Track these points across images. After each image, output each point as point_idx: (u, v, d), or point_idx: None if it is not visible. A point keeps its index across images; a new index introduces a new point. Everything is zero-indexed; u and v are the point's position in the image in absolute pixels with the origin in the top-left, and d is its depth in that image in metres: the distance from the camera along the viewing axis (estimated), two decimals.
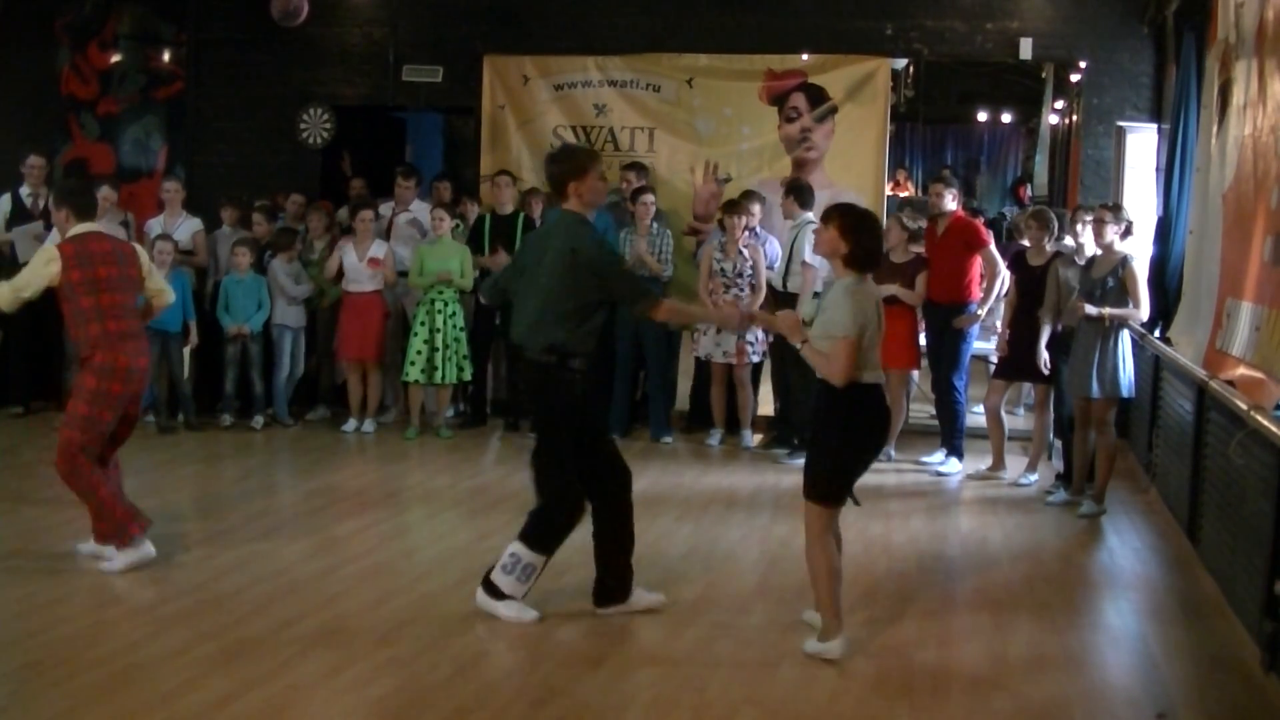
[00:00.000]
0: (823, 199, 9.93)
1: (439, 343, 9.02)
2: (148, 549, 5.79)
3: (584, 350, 5.16)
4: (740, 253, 8.83)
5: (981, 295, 8.42)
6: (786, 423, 8.88)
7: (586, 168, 5.17)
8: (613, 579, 5.31)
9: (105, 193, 9.43)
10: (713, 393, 9.16)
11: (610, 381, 9.04)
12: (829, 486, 4.91)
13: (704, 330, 8.98)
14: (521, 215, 9.45)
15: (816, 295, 8.39)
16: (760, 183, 9.77)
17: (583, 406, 5.22)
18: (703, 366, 9.31)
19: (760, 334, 8.86)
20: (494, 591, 5.21)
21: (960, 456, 8.44)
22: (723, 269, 8.87)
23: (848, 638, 4.91)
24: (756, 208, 9.11)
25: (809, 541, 4.96)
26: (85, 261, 5.76)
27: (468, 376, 9.29)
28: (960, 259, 8.40)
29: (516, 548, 5.19)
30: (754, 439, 9.15)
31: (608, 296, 5.19)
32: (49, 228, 9.43)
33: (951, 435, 8.50)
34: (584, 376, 5.19)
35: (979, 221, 9.22)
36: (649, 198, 9.18)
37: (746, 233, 8.90)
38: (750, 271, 8.82)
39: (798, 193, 8.73)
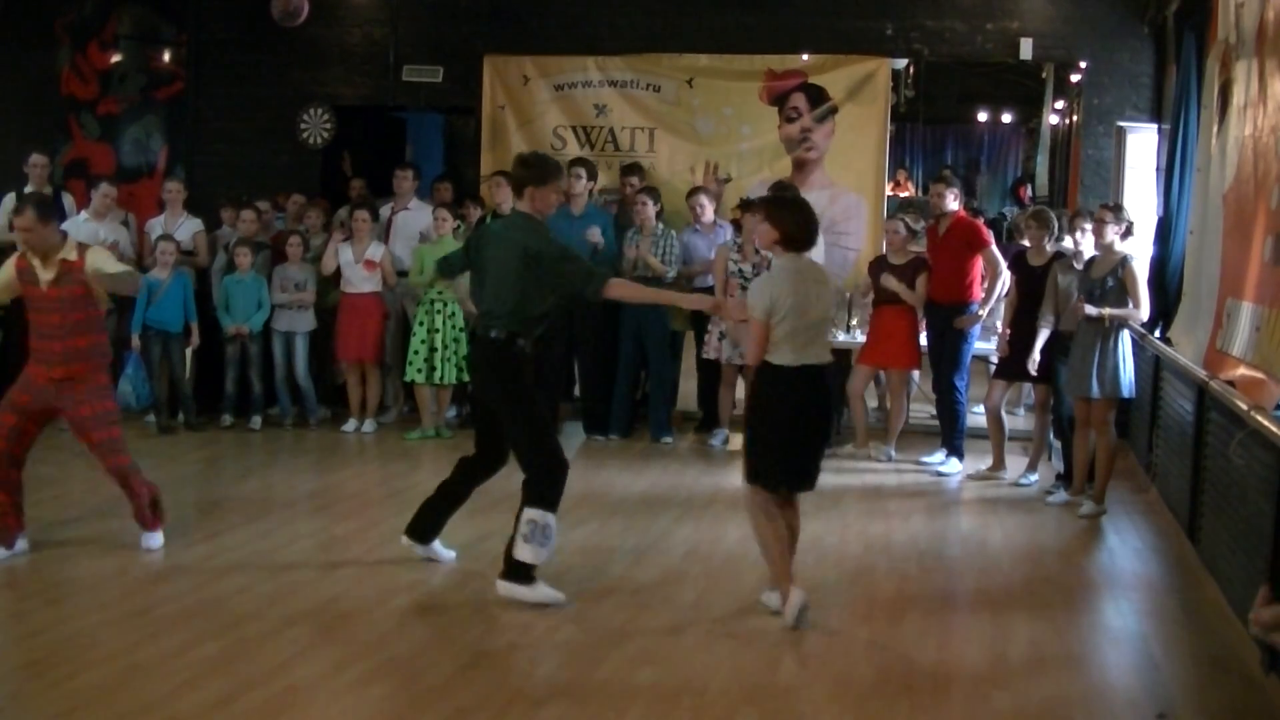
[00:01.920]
0: (823, 199, 9.99)
1: (437, 343, 9.02)
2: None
3: (529, 334, 5.52)
4: (757, 252, 8.81)
5: (983, 296, 8.42)
6: None
7: (547, 180, 5.54)
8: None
9: (105, 189, 9.43)
10: (721, 394, 9.16)
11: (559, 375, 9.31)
12: (758, 466, 5.21)
13: (719, 333, 8.96)
14: None
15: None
16: (760, 182, 9.77)
17: (531, 377, 5.61)
18: (710, 367, 9.28)
19: None
20: (516, 573, 5.38)
21: (960, 456, 8.44)
22: (740, 270, 8.84)
23: (803, 592, 5.19)
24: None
25: (750, 519, 5.35)
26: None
27: (467, 377, 9.27)
28: (962, 259, 8.40)
29: (531, 514, 5.34)
30: None
31: (560, 286, 5.51)
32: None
33: (951, 435, 8.50)
34: (529, 354, 5.55)
35: (980, 222, 9.22)
36: (644, 197, 9.18)
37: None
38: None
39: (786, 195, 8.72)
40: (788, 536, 5.31)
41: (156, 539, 6.10)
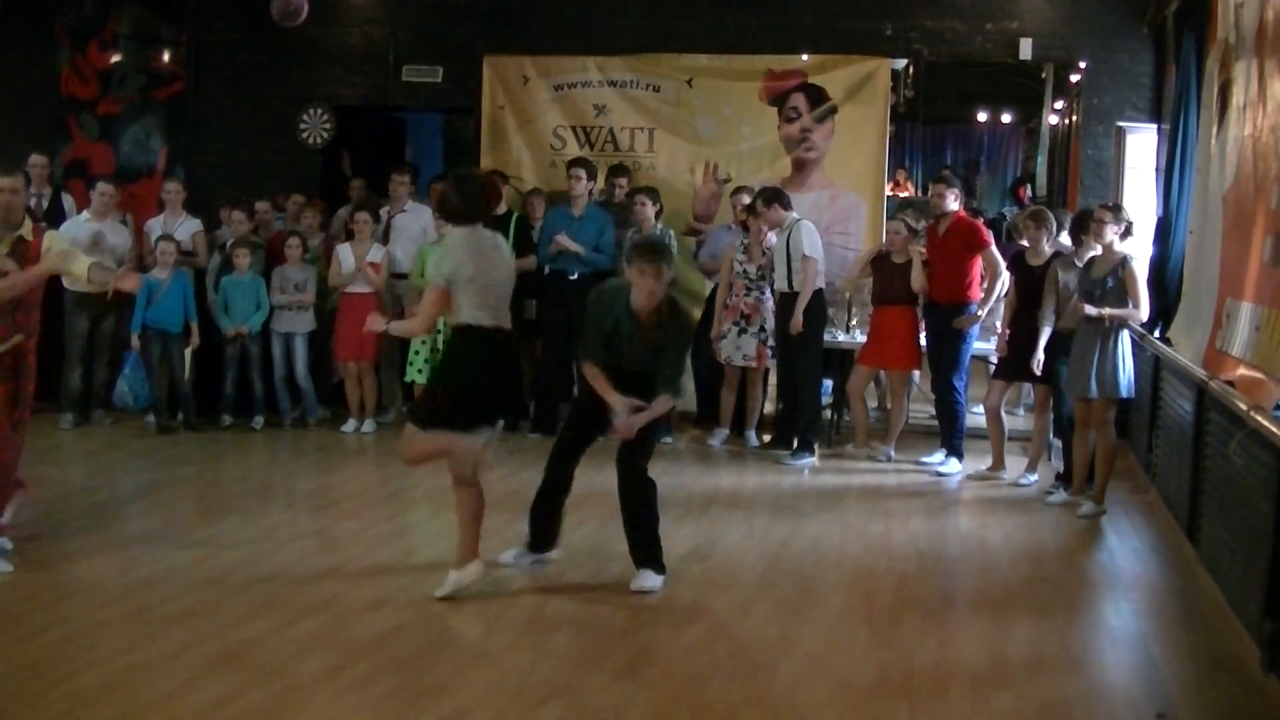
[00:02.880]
0: (823, 199, 10.00)
1: (439, 343, 9.02)
2: None
3: None
4: (764, 254, 8.82)
5: (982, 296, 8.42)
6: (790, 424, 8.89)
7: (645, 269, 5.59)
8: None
9: (103, 188, 9.39)
10: (723, 394, 9.16)
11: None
12: (439, 413, 5.37)
13: (724, 333, 8.95)
14: (516, 216, 9.44)
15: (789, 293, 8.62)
16: (760, 182, 9.76)
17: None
18: (708, 367, 9.29)
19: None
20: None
21: (960, 457, 8.44)
22: (745, 271, 8.83)
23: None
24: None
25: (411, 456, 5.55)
26: None
27: None
28: (961, 259, 8.39)
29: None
30: (758, 439, 9.16)
31: None
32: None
33: (951, 435, 8.50)
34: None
35: (979, 222, 9.22)
36: (643, 197, 9.18)
37: (771, 234, 8.87)
38: (772, 274, 8.82)
39: (780, 199, 8.76)
40: (477, 506, 5.48)
41: None
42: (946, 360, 8.45)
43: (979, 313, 8.42)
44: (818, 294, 8.61)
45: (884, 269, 8.69)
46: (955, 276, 8.40)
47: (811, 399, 8.78)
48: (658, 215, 9.24)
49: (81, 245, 9.19)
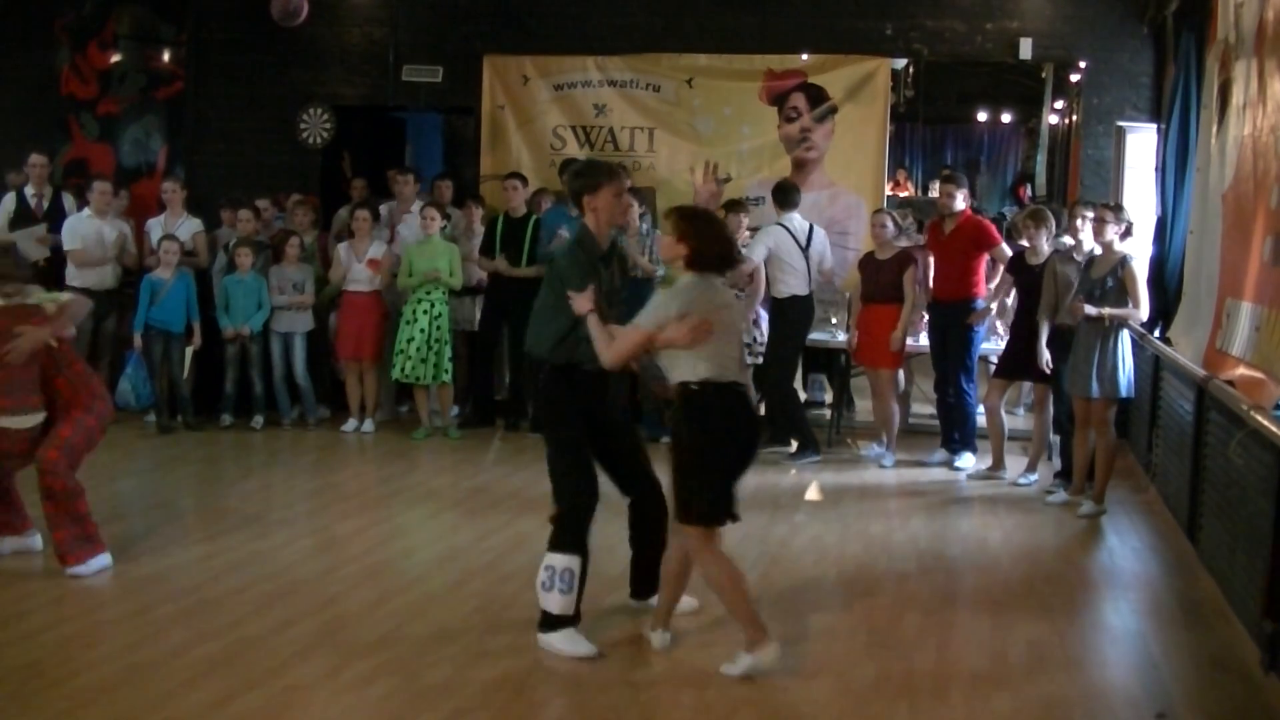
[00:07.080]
0: (822, 199, 10.00)
1: (431, 340, 8.99)
2: None
3: (548, 356, 5.02)
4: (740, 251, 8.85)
5: (989, 292, 8.44)
6: (773, 423, 8.87)
7: (600, 184, 5.02)
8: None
9: (100, 187, 9.36)
10: None
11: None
12: (704, 505, 4.66)
13: None
14: (534, 218, 9.43)
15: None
16: (760, 182, 9.78)
17: (563, 402, 5.03)
18: None
19: (757, 335, 8.85)
20: (547, 623, 4.87)
21: (974, 450, 8.44)
22: None
23: (777, 643, 4.67)
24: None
25: (699, 563, 4.80)
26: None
27: (446, 378, 9.17)
28: (968, 258, 8.40)
29: (547, 559, 4.86)
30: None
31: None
32: (53, 229, 9.43)
33: (964, 434, 8.48)
34: (554, 375, 5.01)
35: (986, 220, 9.22)
36: (627, 198, 9.15)
37: (748, 233, 8.91)
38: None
39: (776, 193, 8.79)
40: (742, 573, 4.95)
41: None
42: (953, 362, 8.42)
43: (988, 306, 8.43)
44: (793, 299, 8.60)
45: (870, 266, 8.67)
46: (960, 274, 8.40)
47: (781, 402, 8.73)
48: (642, 217, 9.20)
49: (88, 240, 9.23)
